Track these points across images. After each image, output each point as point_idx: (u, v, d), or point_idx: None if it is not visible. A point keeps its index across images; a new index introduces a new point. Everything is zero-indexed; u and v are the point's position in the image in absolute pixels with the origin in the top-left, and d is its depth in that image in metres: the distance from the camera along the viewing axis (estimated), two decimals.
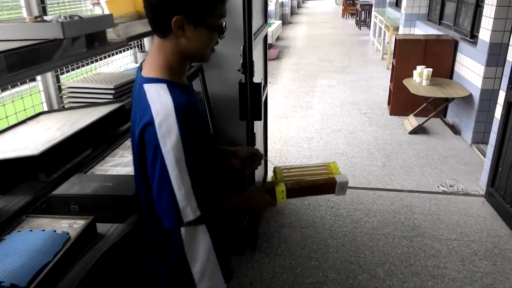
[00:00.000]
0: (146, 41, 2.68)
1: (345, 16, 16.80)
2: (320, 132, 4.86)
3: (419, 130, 4.75)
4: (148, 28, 1.78)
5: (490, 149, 3.33)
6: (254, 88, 2.30)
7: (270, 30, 8.99)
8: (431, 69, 4.73)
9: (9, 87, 1.55)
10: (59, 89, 1.79)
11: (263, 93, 2.83)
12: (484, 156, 3.63)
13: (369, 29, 11.81)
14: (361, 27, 13.46)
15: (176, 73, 1.15)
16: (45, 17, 1.32)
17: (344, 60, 8.83)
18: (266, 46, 3.26)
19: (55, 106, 1.78)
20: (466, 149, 4.29)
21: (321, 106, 5.81)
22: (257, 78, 2.43)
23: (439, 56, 5.02)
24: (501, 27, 3.88)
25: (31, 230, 1.39)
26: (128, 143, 2.18)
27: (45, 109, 1.74)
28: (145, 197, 1.19)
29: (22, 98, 1.62)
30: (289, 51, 10.04)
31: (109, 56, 2.25)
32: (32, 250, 1.25)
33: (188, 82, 1.23)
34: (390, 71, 5.86)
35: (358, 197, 3.40)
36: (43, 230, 1.38)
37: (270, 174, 3.30)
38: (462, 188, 3.51)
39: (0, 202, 1.02)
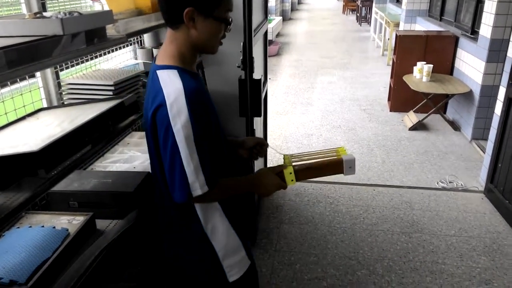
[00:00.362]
0: (146, 37, 2.68)
1: (345, 12, 16.75)
2: (320, 128, 4.86)
3: (419, 127, 4.75)
4: (147, 25, 1.79)
5: (489, 145, 3.34)
6: (254, 85, 2.30)
7: (270, 26, 8.97)
8: (431, 65, 4.72)
9: (9, 83, 1.55)
10: (59, 85, 1.79)
11: (263, 90, 2.83)
12: (484, 152, 3.63)
13: (370, 25, 11.79)
14: (362, 23, 13.43)
15: (187, 61, 1.24)
16: (44, 13, 1.31)
17: (344, 57, 8.81)
18: (266, 43, 3.25)
19: (55, 103, 1.78)
20: (466, 145, 4.29)
21: (321, 103, 5.80)
22: (257, 74, 2.43)
23: (440, 52, 5.01)
24: (502, 23, 3.87)
25: (30, 227, 1.40)
26: (128, 139, 2.18)
27: (45, 105, 1.75)
28: (162, 176, 1.25)
29: (21, 94, 1.62)
30: (289, 48, 10.01)
31: (108, 52, 2.25)
32: (31, 246, 1.26)
33: (197, 71, 1.31)
34: (390, 68, 5.86)
35: (358, 193, 3.41)
36: (43, 226, 1.39)
37: (269, 164, 3.29)
38: (462, 184, 3.52)
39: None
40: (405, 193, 3.40)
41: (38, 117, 1.44)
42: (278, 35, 11.21)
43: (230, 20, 1.24)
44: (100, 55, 2.18)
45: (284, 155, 1.46)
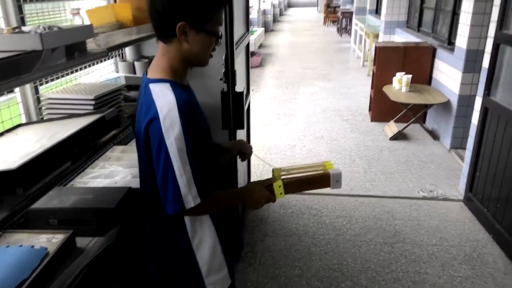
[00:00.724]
0: (127, 50, 2.67)
1: (326, 24, 17.02)
2: (303, 139, 4.89)
3: (399, 136, 4.83)
4: (129, 38, 1.78)
5: (468, 154, 3.41)
6: (236, 97, 2.30)
7: (252, 37, 9.03)
8: (410, 76, 4.82)
9: None
10: (38, 100, 1.76)
11: (246, 102, 2.83)
12: (463, 161, 3.71)
13: (350, 37, 11.99)
14: (342, 34, 13.66)
15: (179, 74, 1.27)
16: (23, 28, 1.29)
17: (326, 67, 8.93)
18: (248, 55, 3.27)
19: (34, 118, 1.75)
20: (445, 155, 4.38)
21: (304, 113, 5.85)
22: (239, 87, 2.44)
23: (418, 63, 5.13)
24: (477, 34, 3.99)
25: (8, 246, 1.36)
26: (109, 154, 2.15)
27: (24, 121, 1.71)
28: (154, 188, 1.26)
29: None
30: (272, 59, 10.10)
31: (89, 66, 2.22)
32: (9, 267, 1.22)
33: (188, 84, 1.33)
34: (370, 78, 5.95)
35: (341, 203, 3.43)
36: (21, 246, 1.35)
37: (253, 175, 3.28)
38: (442, 193, 3.58)
39: None
40: (387, 203, 3.44)
41: (16, 133, 1.41)
42: (260, 46, 11.30)
43: (221, 34, 1.27)
44: (81, 69, 2.15)
45: (273, 169, 1.49)
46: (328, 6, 17.33)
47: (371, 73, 6.10)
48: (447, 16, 5.00)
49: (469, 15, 3.97)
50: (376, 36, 7.71)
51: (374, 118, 5.42)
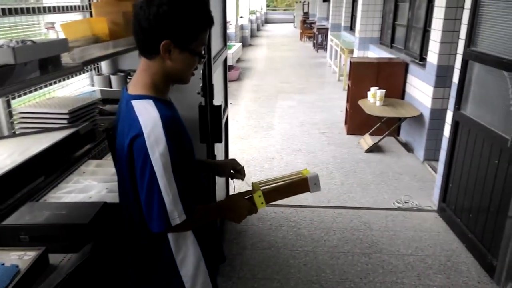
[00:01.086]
0: (103, 64, 2.65)
1: (303, 39, 17.33)
2: (281, 152, 4.93)
3: (374, 149, 4.92)
4: (105, 52, 1.77)
5: (440, 166, 3.51)
6: (214, 111, 2.31)
7: (230, 52, 9.11)
8: (384, 90, 4.95)
9: None
10: (10, 114, 1.72)
11: (224, 116, 2.85)
12: (436, 173, 3.81)
13: (326, 52, 12.23)
14: (318, 50, 13.92)
15: (160, 91, 1.26)
16: None
17: (303, 82, 9.06)
18: (226, 69, 3.30)
19: (5, 133, 1.71)
20: (419, 166, 4.49)
21: (281, 127, 5.90)
22: (217, 100, 2.45)
23: (391, 77, 5.27)
24: (447, 51, 4.14)
25: None
26: (83, 168, 2.12)
27: None
28: (137, 206, 1.23)
29: None
30: (250, 73, 10.18)
31: (64, 79, 2.19)
32: None
33: (170, 100, 1.33)
34: (346, 92, 6.07)
35: (319, 215, 3.46)
36: None
37: (231, 189, 3.27)
38: (416, 204, 3.65)
39: None
40: (364, 214, 3.49)
41: None
42: (238, 60, 11.39)
43: (204, 53, 1.28)
44: (55, 82, 2.12)
45: (252, 183, 1.51)
46: (304, 22, 17.69)
47: (346, 87, 6.23)
48: (418, 33, 5.18)
49: (439, 33, 4.13)
50: (351, 51, 7.89)
51: (350, 131, 5.51)
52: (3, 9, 1.74)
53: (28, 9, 1.89)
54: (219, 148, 2.82)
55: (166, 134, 1.13)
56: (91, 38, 1.83)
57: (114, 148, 1.36)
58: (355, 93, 5.36)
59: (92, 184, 1.95)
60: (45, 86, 2.02)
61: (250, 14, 17.54)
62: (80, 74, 2.40)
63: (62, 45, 1.40)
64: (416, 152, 4.81)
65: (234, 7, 13.42)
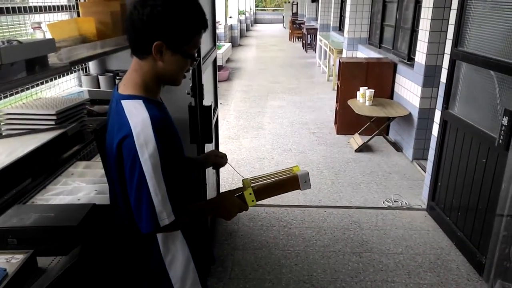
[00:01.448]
0: (91, 64, 2.62)
1: (292, 39, 17.37)
2: (272, 152, 4.93)
3: (364, 148, 4.95)
4: (92, 52, 1.75)
5: (429, 165, 3.54)
6: (204, 111, 2.30)
7: (220, 52, 9.08)
8: (373, 90, 4.98)
9: None
10: None
11: (214, 116, 2.84)
12: (425, 172, 3.84)
13: (315, 52, 12.28)
14: (308, 50, 13.97)
15: (151, 91, 1.25)
16: None
17: (292, 82, 9.08)
18: (216, 69, 3.29)
19: None
20: (408, 165, 4.52)
21: (272, 127, 5.91)
22: (207, 101, 2.44)
23: (380, 77, 5.31)
24: (434, 51, 4.18)
25: None
26: (72, 170, 2.09)
27: None
28: (126, 207, 1.23)
29: None
30: (240, 73, 10.17)
31: (51, 80, 2.16)
32: None
33: (161, 100, 1.32)
34: (335, 92, 6.10)
35: (310, 215, 3.46)
36: None
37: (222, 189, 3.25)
38: (406, 203, 3.68)
39: None
40: (354, 213, 3.50)
41: None
42: (228, 60, 11.37)
43: (197, 56, 1.27)
44: (42, 83, 2.09)
45: (243, 180, 1.50)
46: (293, 22, 17.73)
47: (336, 87, 6.25)
48: (406, 34, 5.22)
49: (426, 33, 4.17)
50: (340, 52, 7.93)
51: (340, 131, 5.54)
52: None
53: (14, 8, 1.86)
54: (209, 148, 2.80)
55: (156, 135, 1.12)
56: (79, 38, 1.81)
57: (103, 149, 1.34)
58: (345, 93, 5.38)
59: (80, 185, 1.93)
60: (32, 86, 1.99)
61: (239, 14, 17.54)
62: (67, 74, 2.37)
63: (49, 45, 1.38)
64: (405, 151, 4.85)
65: (223, 7, 13.40)
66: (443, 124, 3.26)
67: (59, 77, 2.28)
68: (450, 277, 2.70)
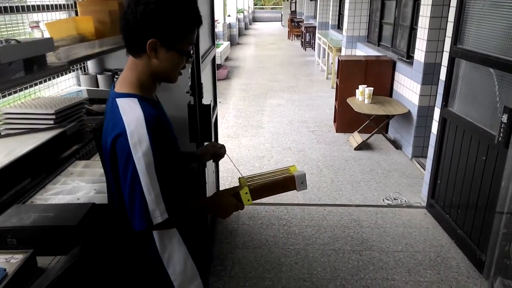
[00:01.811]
0: (89, 63, 2.61)
1: (291, 38, 17.35)
2: (271, 150, 4.92)
3: (363, 146, 4.95)
4: (91, 51, 1.75)
5: (429, 162, 3.54)
6: (203, 110, 2.30)
7: (218, 51, 9.07)
8: (372, 88, 4.98)
9: None
10: None
11: (213, 114, 2.83)
12: (424, 169, 3.84)
13: (314, 50, 12.27)
14: (306, 48, 13.95)
15: (146, 89, 1.25)
16: None
17: (291, 80, 9.07)
18: (215, 68, 3.28)
19: None
20: (407, 163, 4.52)
21: (271, 125, 5.90)
22: (206, 99, 2.43)
23: (379, 75, 5.31)
24: (433, 48, 4.18)
25: None
26: (71, 169, 2.09)
27: None
28: (120, 204, 1.23)
29: None
30: (239, 71, 10.16)
31: (49, 79, 2.16)
32: None
33: (157, 99, 1.32)
34: (334, 90, 6.10)
35: (309, 213, 3.46)
36: None
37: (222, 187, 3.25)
38: (405, 201, 3.68)
39: None
40: (354, 211, 3.50)
41: None
42: (227, 59, 11.36)
43: (192, 53, 1.27)
44: (41, 82, 2.08)
45: (239, 178, 1.50)
46: (292, 21, 17.71)
47: (335, 86, 6.25)
48: (405, 31, 5.22)
49: (425, 30, 4.16)
50: (339, 50, 7.93)
51: (339, 129, 5.54)
52: None
53: (12, 7, 1.85)
54: None
55: (150, 133, 1.13)
56: (77, 37, 1.80)
57: (101, 148, 1.34)
58: (344, 91, 5.38)
59: (80, 185, 1.92)
60: (31, 86, 1.99)
61: (238, 12, 17.51)
62: (66, 73, 2.36)
63: (47, 44, 1.37)
64: (404, 149, 4.85)
65: (222, 5, 13.38)
66: (443, 121, 3.26)
67: (58, 76, 2.27)
68: (450, 275, 2.70)
